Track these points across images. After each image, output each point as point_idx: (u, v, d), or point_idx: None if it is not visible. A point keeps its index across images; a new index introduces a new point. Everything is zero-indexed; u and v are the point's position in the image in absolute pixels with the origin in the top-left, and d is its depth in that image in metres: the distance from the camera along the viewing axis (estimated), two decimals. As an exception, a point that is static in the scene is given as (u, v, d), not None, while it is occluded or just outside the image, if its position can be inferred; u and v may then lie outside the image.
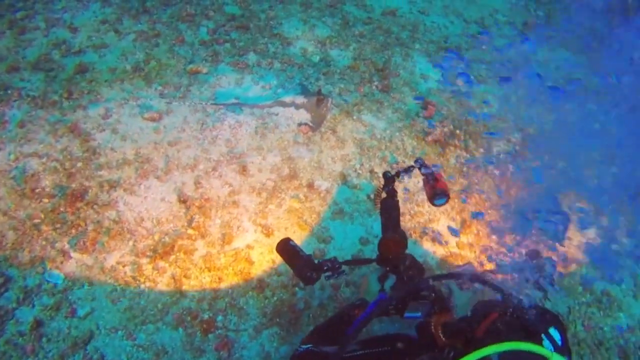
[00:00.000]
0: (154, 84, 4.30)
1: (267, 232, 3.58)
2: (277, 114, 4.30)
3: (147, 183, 3.68)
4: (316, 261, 2.37)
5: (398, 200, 2.60)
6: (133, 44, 4.62)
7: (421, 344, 2.06)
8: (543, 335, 1.83)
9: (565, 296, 3.63)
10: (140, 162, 3.77)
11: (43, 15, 4.70)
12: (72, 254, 3.23)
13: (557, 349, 1.80)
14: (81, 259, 3.23)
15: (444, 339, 1.92)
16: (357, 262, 2.81)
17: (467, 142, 4.53)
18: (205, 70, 4.53)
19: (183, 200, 3.62)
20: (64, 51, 4.38)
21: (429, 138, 4.47)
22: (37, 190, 3.43)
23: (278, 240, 2.51)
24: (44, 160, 3.58)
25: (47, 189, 3.45)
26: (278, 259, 3.44)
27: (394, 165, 4.16)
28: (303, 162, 4.06)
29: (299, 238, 3.61)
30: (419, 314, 2.31)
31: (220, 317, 3.14)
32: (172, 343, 2.98)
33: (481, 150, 4.52)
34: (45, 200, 3.41)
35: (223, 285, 3.31)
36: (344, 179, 4.03)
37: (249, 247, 3.51)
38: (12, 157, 3.53)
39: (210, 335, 3.05)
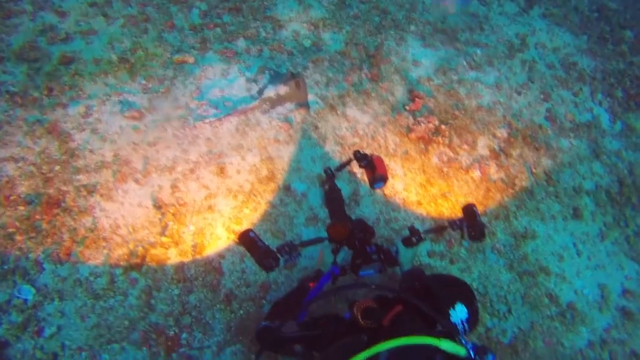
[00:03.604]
0: (138, 77, 3.68)
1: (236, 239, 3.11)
2: (260, 111, 3.67)
3: (124, 187, 3.22)
4: (274, 247, 2.25)
5: (340, 191, 2.63)
6: (121, 30, 3.94)
7: (349, 325, 1.90)
8: (450, 311, 1.91)
9: (531, 310, 3.15)
10: (118, 164, 3.28)
11: (31, -3, 4.00)
12: (46, 266, 2.84)
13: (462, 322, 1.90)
14: (55, 271, 2.84)
15: (362, 322, 1.80)
16: (311, 242, 2.51)
17: (451, 139, 3.86)
18: (191, 60, 3.86)
19: (159, 206, 3.15)
20: (50, 38, 3.73)
21: (413, 135, 3.82)
22: (12, 198, 3.00)
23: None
24: (20, 164, 3.11)
25: (23, 196, 3.01)
26: (248, 269, 3.04)
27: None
28: (282, 163, 3.50)
29: (271, 244, 3.14)
30: (372, 271, 2.47)
31: (184, 335, 2.77)
32: (135, 364, 2.64)
33: (465, 146, 3.86)
34: (21, 207, 2.99)
35: (192, 297, 2.91)
36: (322, 181, 3.47)
37: (220, 256, 3.08)
38: (-13, 163, 3.07)
39: (173, 355, 2.71)
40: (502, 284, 3.20)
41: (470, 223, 2.41)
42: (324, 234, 2.49)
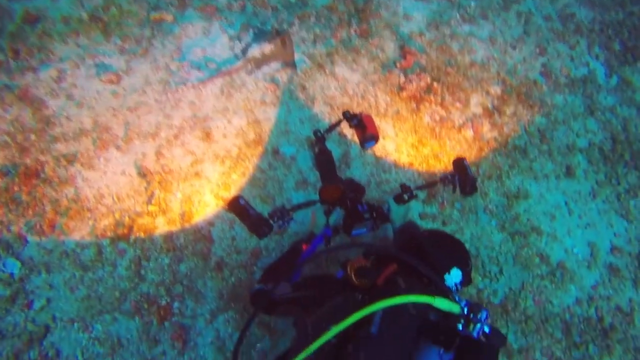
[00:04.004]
0: (113, 37, 3.50)
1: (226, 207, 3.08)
2: (245, 72, 3.54)
3: (106, 155, 3.13)
4: (266, 213, 2.24)
5: (331, 153, 2.56)
6: (91, -16, 3.69)
7: (342, 284, 1.90)
8: (446, 276, 1.91)
9: (522, 270, 3.21)
10: (98, 131, 3.18)
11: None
12: (29, 238, 2.80)
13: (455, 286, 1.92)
14: (39, 243, 2.80)
15: (356, 282, 1.81)
16: (303, 205, 2.52)
17: (444, 97, 3.78)
18: (170, 18, 3.67)
19: (143, 174, 3.08)
20: (11, -7, 3.50)
21: (404, 94, 3.73)
22: (-13, 170, 2.89)
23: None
24: (-7, 134, 2.98)
25: (-1, 167, 2.91)
26: (238, 236, 3.03)
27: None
28: (270, 125, 3.42)
29: (261, 210, 3.12)
30: (365, 229, 2.46)
31: (176, 304, 2.79)
32: (128, 334, 2.68)
33: (458, 104, 3.79)
34: (-2, 179, 2.89)
35: (182, 266, 2.91)
36: (310, 143, 3.41)
37: (209, 223, 3.06)
38: (-43, 133, 2.95)
39: (166, 323, 2.73)
40: (494, 244, 3.23)
41: (462, 177, 2.39)
42: (315, 197, 2.48)
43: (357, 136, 2.52)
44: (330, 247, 2.57)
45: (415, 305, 1.60)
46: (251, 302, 2.23)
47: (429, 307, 1.60)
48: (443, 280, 1.91)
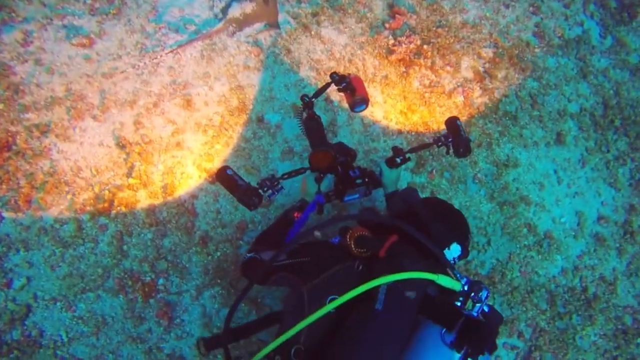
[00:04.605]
0: (82, -6, 3.23)
1: (213, 179, 3.00)
2: (226, 34, 3.34)
3: (82, 125, 2.98)
4: (255, 183, 2.17)
5: (320, 118, 2.41)
6: None
7: (340, 251, 1.85)
8: (445, 251, 1.91)
9: (509, 241, 3.22)
10: (72, 100, 3.00)
11: None
12: (5, 214, 2.70)
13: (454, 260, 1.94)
14: (16, 219, 2.70)
15: (355, 251, 1.77)
16: (293, 173, 2.43)
17: (434, 60, 3.64)
18: (143, -27, 3.39)
19: (122, 145, 2.96)
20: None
21: (393, 57, 3.58)
22: (-45, 143, 2.74)
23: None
24: (-42, 105, 2.80)
25: (-33, 140, 2.75)
26: (223, 209, 2.96)
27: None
28: (253, 91, 3.27)
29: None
30: (357, 195, 2.47)
31: (161, 280, 2.75)
32: (113, 312, 2.65)
33: (448, 68, 3.66)
34: (-33, 153, 2.74)
35: (166, 241, 2.85)
36: (297, 110, 3.27)
37: (193, 196, 2.97)
38: None
39: (151, 300, 2.70)
40: (482, 215, 3.22)
41: (455, 138, 2.30)
42: (303, 166, 2.42)
43: (347, 100, 2.39)
44: (327, 220, 2.48)
45: (416, 280, 1.60)
46: (243, 273, 2.15)
47: (430, 282, 1.60)
48: (443, 255, 1.85)
